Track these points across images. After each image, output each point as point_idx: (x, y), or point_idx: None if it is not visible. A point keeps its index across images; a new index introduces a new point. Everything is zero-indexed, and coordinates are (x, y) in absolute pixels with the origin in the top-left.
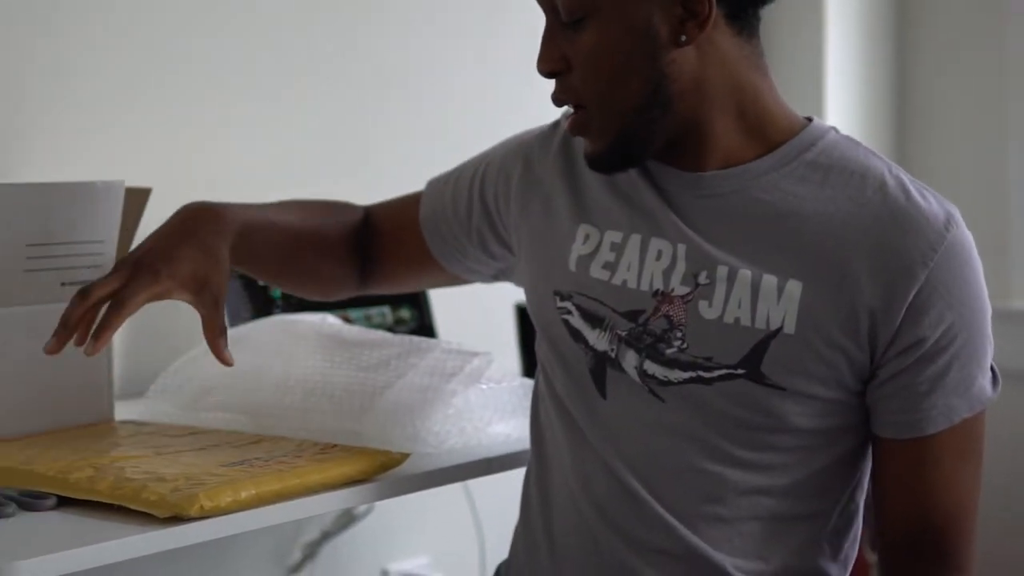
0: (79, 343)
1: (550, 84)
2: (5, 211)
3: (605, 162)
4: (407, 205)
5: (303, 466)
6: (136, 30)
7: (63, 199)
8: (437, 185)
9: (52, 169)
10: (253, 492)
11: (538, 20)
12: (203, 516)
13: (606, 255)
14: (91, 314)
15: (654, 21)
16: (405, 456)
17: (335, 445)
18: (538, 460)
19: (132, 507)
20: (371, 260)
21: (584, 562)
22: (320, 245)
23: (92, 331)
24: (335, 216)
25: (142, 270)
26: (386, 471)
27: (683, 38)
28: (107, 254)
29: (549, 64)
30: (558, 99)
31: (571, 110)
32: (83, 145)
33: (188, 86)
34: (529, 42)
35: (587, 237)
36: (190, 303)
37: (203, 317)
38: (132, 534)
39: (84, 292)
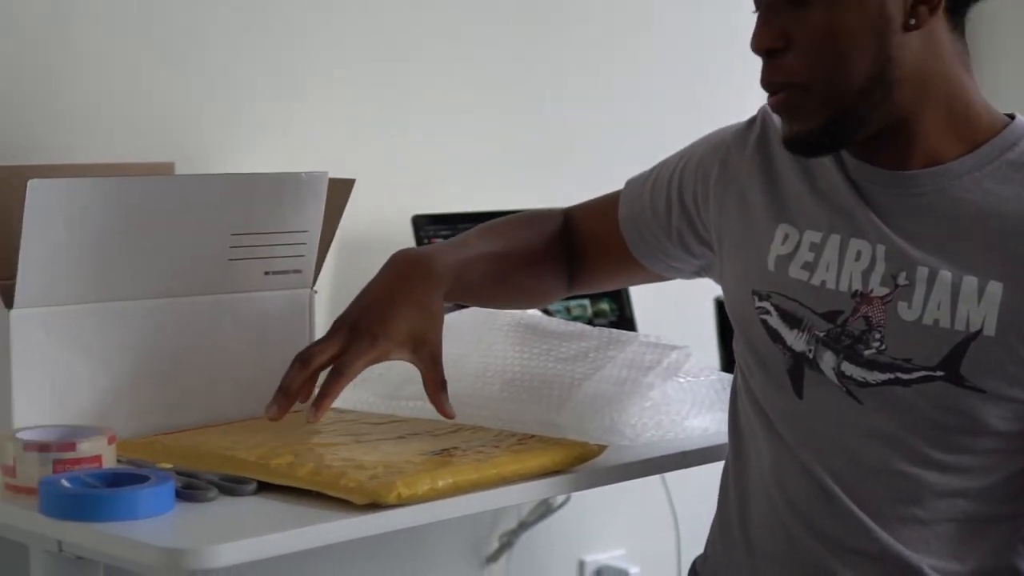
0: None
1: (747, 81)
2: (211, 201)
3: (810, 144)
4: (606, 206)
5: (500, 456)
6: (345, 27)
7: (268, 189)
8: (635, 186)
9: (258, 160)
10: (451, 481)
11: (737, 17)
12: (400, 504)
13: (805, 255)
14: (312, 381)
15: (887, 1)
16: (602, 448)
17: (532, 436)
18: (735, 456)
19: (330, 494)
20: (575, 263)
21: (781, 559)
22: (527, 263)
23: (313, 399)
24: (537, 230)
25: (359, 335)
26: (582, 463)
27: (912, 22)
28: (310, 244)
29: (769, 41)
30: (770, 80)
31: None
32: (289, 136)
33: (395, 81)
34: (729, 38)
35: (786, 237)
36: (408, 361)
37: (423, 374)
38: (330, 520)
39: (304, 359)
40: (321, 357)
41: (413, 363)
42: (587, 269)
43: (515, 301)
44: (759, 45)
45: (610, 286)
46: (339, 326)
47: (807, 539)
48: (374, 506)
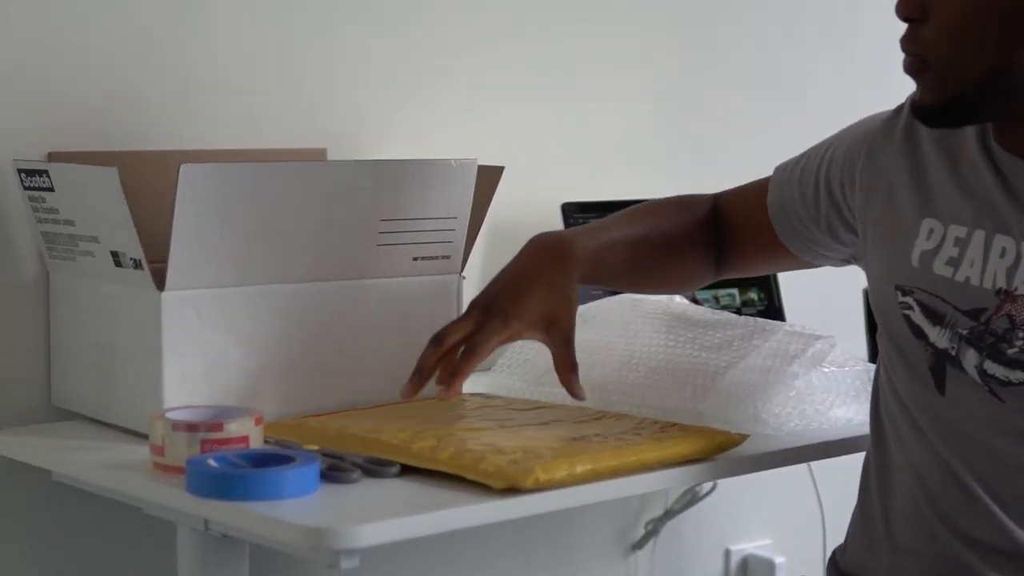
0: (439, 382)
1: (898, 72)
2: (361, 187)
3: (932, 116)
4: (755, 192)
5: (641, 443)
6: (496, 12)
7: (418, 176)
8: (784, 172)
9: (408, 147)
10: (590, 467)
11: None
12: (538, 488)
13: (949, 251)
14: (448, 359)
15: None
16: (744, 437)
17: (675, 423)
18: (877, 449)
19: (470, 477)
20: (723, 248)
21: (922, 554)
22: (668, 248)
23: (447, 377)
24: (681, 216)
25: (492, 315)
26: (724, 451)
27: None
28: (459, 231)
29: (906, 9)
30: (903, 46)
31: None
32: (439, 124)
33: (546, 67)
34: (881, 29)
35: (931, 232)
36: (540, 341)
37: (553, 354)
38: (469, 503)
39: (438, 339)
40: (454, 336)
41: (545, 343)
42: (735, 254)
43: (657, 286)
44: (899, 11)
45: (758, 272)
46: (473, 307)
47: (948, 535)
48: (513, 490)
